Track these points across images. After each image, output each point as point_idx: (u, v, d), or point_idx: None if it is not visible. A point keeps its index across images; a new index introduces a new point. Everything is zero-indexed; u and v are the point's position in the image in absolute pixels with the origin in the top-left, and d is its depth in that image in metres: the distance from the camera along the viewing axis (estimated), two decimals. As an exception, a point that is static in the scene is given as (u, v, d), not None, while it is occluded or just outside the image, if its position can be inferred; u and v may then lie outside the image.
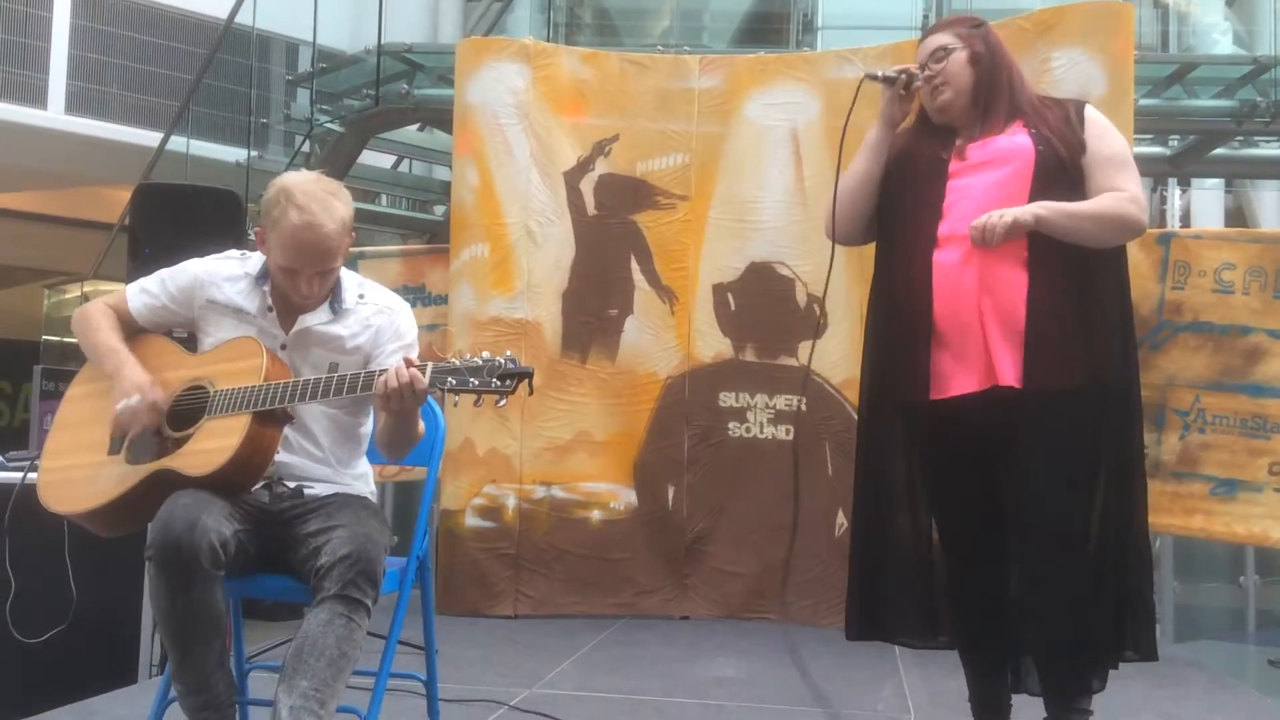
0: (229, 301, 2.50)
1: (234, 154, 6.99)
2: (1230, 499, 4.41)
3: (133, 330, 2.55)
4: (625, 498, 4.91)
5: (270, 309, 2.48)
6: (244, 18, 7.01)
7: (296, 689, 2.14)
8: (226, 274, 2.52)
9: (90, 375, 2.55)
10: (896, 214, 2.55)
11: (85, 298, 8.19)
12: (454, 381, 2.22)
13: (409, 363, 2.25)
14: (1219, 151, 6.66)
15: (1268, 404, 4.38)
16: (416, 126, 7.41)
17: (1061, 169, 2.41)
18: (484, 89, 4.94)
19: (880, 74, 2.57)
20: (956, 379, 2.39)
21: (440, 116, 6.24)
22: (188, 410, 2.40)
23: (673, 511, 4.88)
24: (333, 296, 2.51)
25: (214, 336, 2.50)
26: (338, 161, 6.57)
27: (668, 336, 4.95)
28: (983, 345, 2.36)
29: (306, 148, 6.83)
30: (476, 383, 2.21)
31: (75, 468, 2.44)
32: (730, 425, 4.89)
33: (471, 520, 4.82)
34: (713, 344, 4.93)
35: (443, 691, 2.83)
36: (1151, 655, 2.46)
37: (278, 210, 2.38)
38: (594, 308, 4.94)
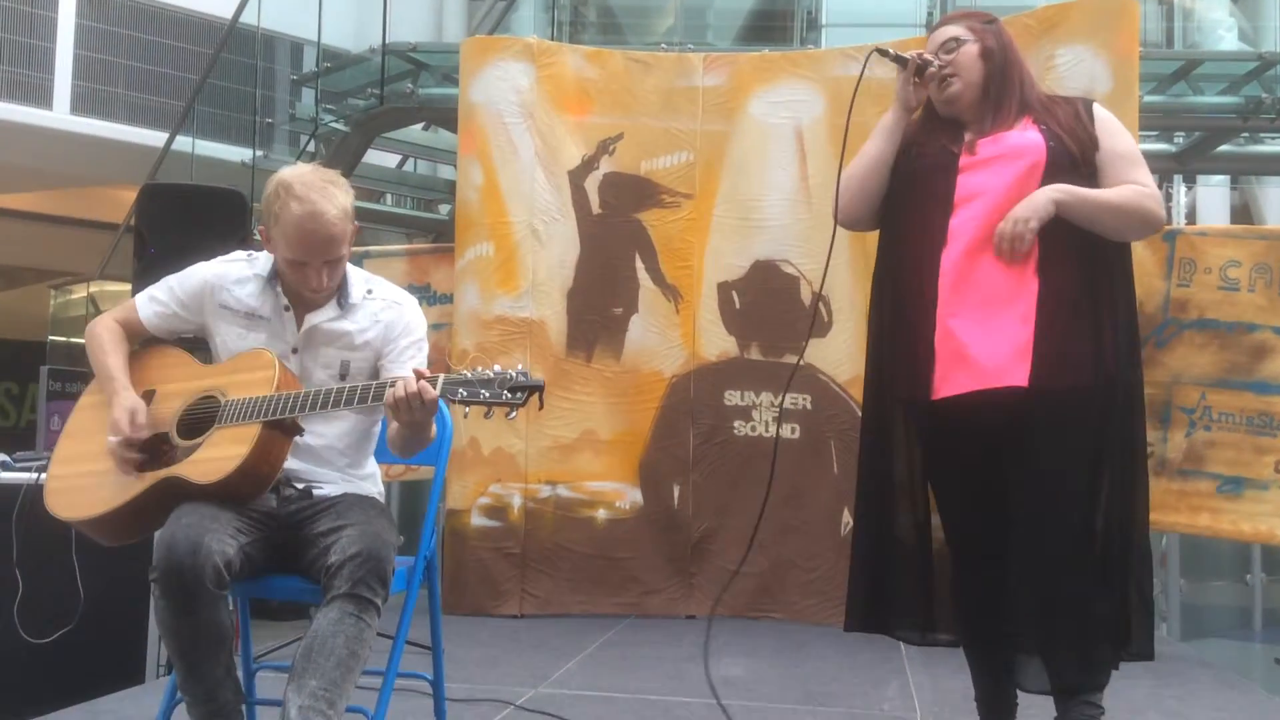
0: (240, 305, 2.50)
1: (239, 154, 7.01)
2: (1237, 497, 4.40)
3: (145, 339, 2.55)
4: (631, 497, 4.91)
5: (287, 308, 2.49)
6: (249, 17, 7.03)
7: (305, 689, 2.15)
8: (235, 276, 2.53)
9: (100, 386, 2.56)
10: (903, 205, 2.52)
11: (91, 298, 8.23)
12: (465, 393, 2.22)
13: (419, 374, 2.25)
14: (1224, 148, 6.66)
15: (1274, 401, 4.36)
16: (421, 125, 7.42)
17: (1073, 165, 2.40)
18: (488, 88, 4.94)
19: (892, 52, 2.55)
20: (961, 378, 2.37)
21: (445, 115, 6.25)
22: (199, 419, 2.40)
23: (678, 510, 4.88)
24: (340, 292, 2.51)
25: (225, 341, 2.51)
26: (343, 161, 6.58)
27: (673, 335, 4.95)
28: (989, 344, 2.35)
29: (311, 147, 6.85)
30: (487, 394, 2.21)
31: (83, 475, 2.45)
32: (736, 424, 4.89)
33: (477, 520, 4.82)
34: (718, 342, 4.93)
35: (449, 691, 2.83)
36: (1148, 655, 2.45)
37: (278, 204, 2.38)
38: (599, 306, 4.94)
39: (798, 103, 4.88)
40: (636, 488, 4.91)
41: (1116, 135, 2.47)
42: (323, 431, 2.50)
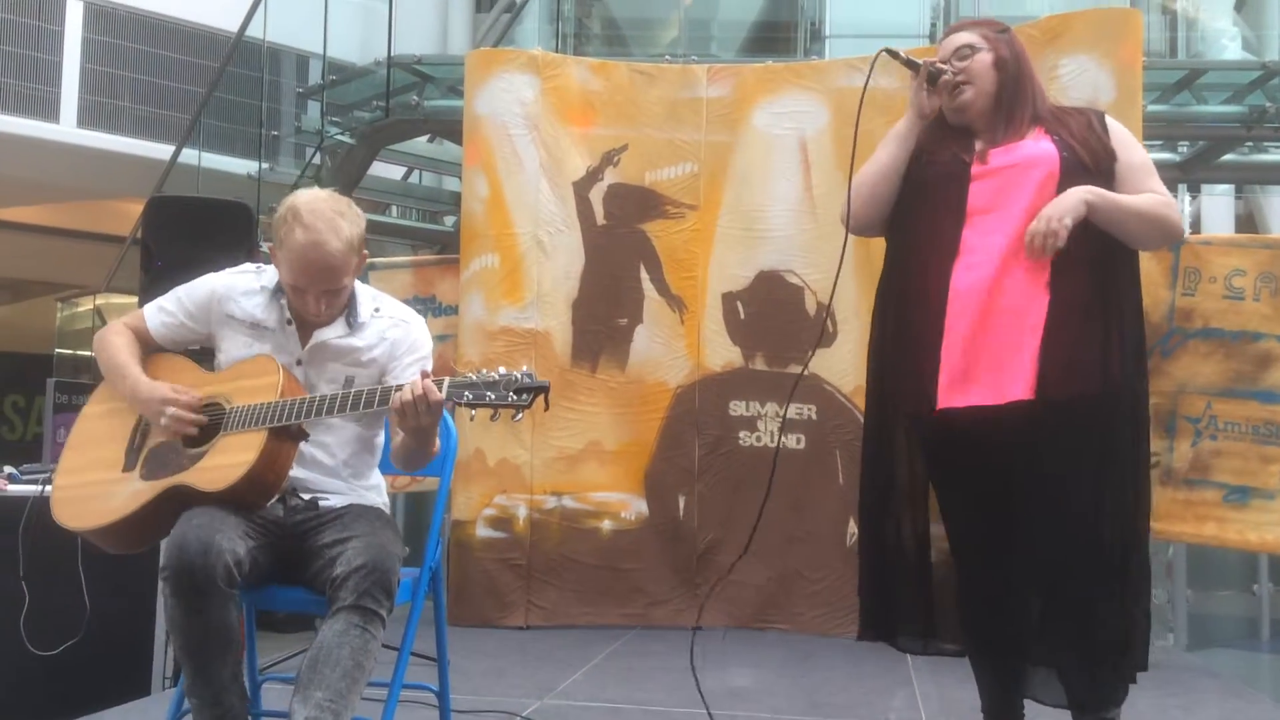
0: (246, 316, 2.51)
1: (245, 166, 7.02)
2: (1243, 506, 4.39)
3: (152, 349, 2.57)
4: (636, 507, 4.91)
5: (290, 322, 2.50)
6: (254, 31, 7.05)
7: (311, 700, 2.15)
8: (243, 288, 2.54)
9: (106, 394, 2.57)
10: (913, 214, 2.50)
11: (98, 310, 8.25)
12: (470, 396, 2.23)
13: (425, 376, 2.26)
14: (1228, 157, 6.64)
15: (1279, 411, 4.36)
16: (426, 138, 7.42)
17: (1086, 175, 2.38)
18: (493, 100, 4.96)
19: (903, 55, 2.51)
20: (967, 390, 2.36)
21: (450, 127, 6.26)
22: (204, 427, 2.41)
23: (684, 521, 4.88)
24: (348, 311, 2.53)
25: (230, 351, 2.52)
26: (348, 173, 6.59)
27: (677, 345, 4.95)
28: (997, 357, 2.34)
29: (317, 160, 6.86)
30: (493, 397, 2.22)
31: (90, 484, 2.45)
32: (741, 434, 4.89)
33: (482, 531, 4.82)
34: (722, 353, 4.93)
35: (455, 703, 2.84)
36: (1141, 665, 2.43)
37: (285, 229, 2.40)
38: (604, 317, 4.95)
39: (802, 114, 4.88)
40: (642, 498, 4.91)
41: (1131, 147, 2.48)
42: (325, 442, 2.51)
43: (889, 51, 2.53)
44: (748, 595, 4.77)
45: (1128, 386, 2.41)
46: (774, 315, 4.88)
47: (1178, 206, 2.45)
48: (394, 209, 8.24)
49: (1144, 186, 2.41)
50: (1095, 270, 2.38)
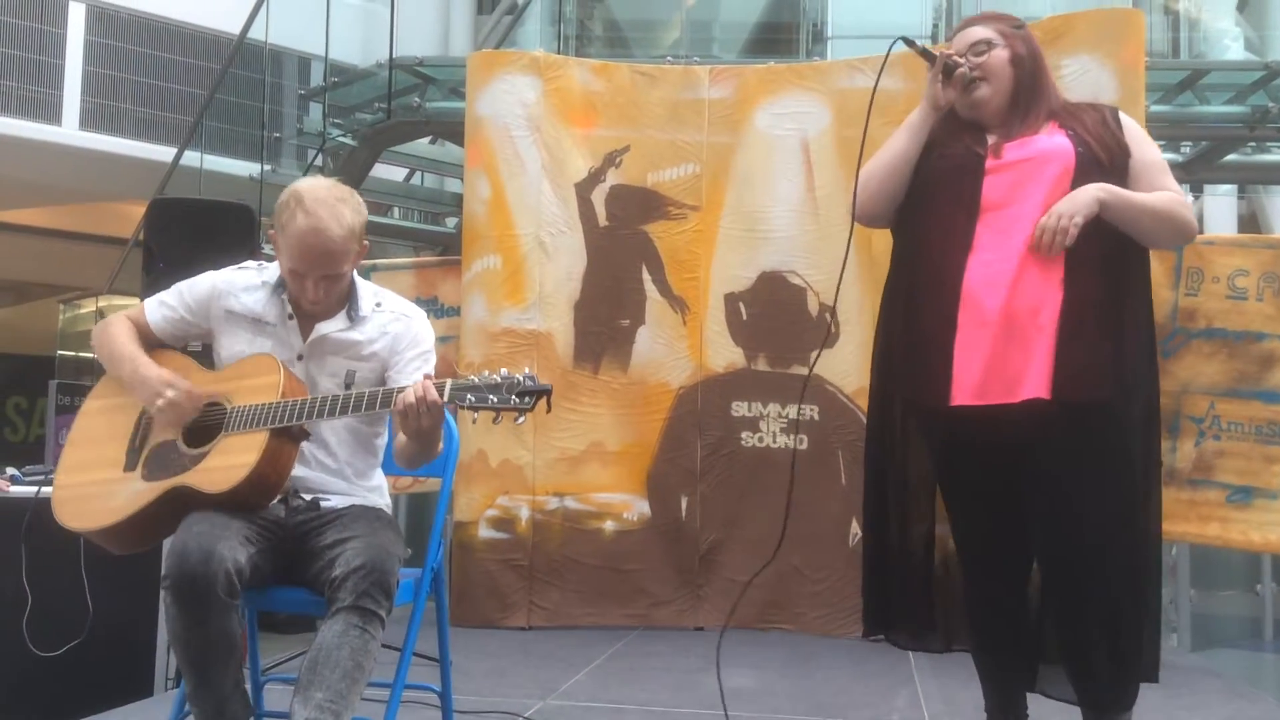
0: (247, 310, 2.51)
1: (247, 168, 7.02)
2: (1246, 506, 4.38)
3: (151, 344, 2.56)
4: (638, 508, 4.90)
5: (291, 316, 2.50)
6: (256, 33, 7.05)
7: (311, 701, 2.15)
8: (244, 284, 2.54)
9: (106, 390, 2.56)
10: (924, 207, 2.46)
11: (100, 312, 8.25)
12: (473, 398, 2.23)
13: (427, 378, 2.26)
14: (1231, 158, 6.65)
15: (1282, 411, 4.36)
16: (428, 139, 7.43)
17: (1101, 171, 2.36)
18: (495, 101, 4.96)
19: (919, 45, 2.48)
20: (980, 387, 2.32)
21: (452, 129, 6.27)
22: (205, 427, 2.41)
23: (686, 522, 4.88)
24: (349, 305, 2.52)
25: (230, 347, 2.52)
26: (350, 175, 6.59)
27: (680, 346, 4.95)
28: (1010, 354, 2.30)
29: (319, 161, 6.87)
30: (495, 399, 2.21)
31: (91, 484, 2.45)
32: (743, 435, 4.89)
33: (485, 532, 4.82)
34: (725, 354, 4.93)
35: (457, 703, 2.84)
36: (1152, 675, 2.42)
37: (286, 214, 2.41)
38: (606, 318, 4.95)
39: (804, 114, 4.88)
40: (644, 499, 4.91)
41: (1145, 144, 2.45)
42: (327, 441, 2.51)
43: (905, 40, 2.49)
44: (750, 595, 4.76)
45: (1141, 389, 2.39)
46: (776, 316, 4.88)
47: (1191, 205, 2.42)
48: (396, 210, 8.25)
49: (1157, 184, 2.39)
50: (1109, 268, 2.35)
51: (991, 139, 2.43)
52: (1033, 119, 2.43)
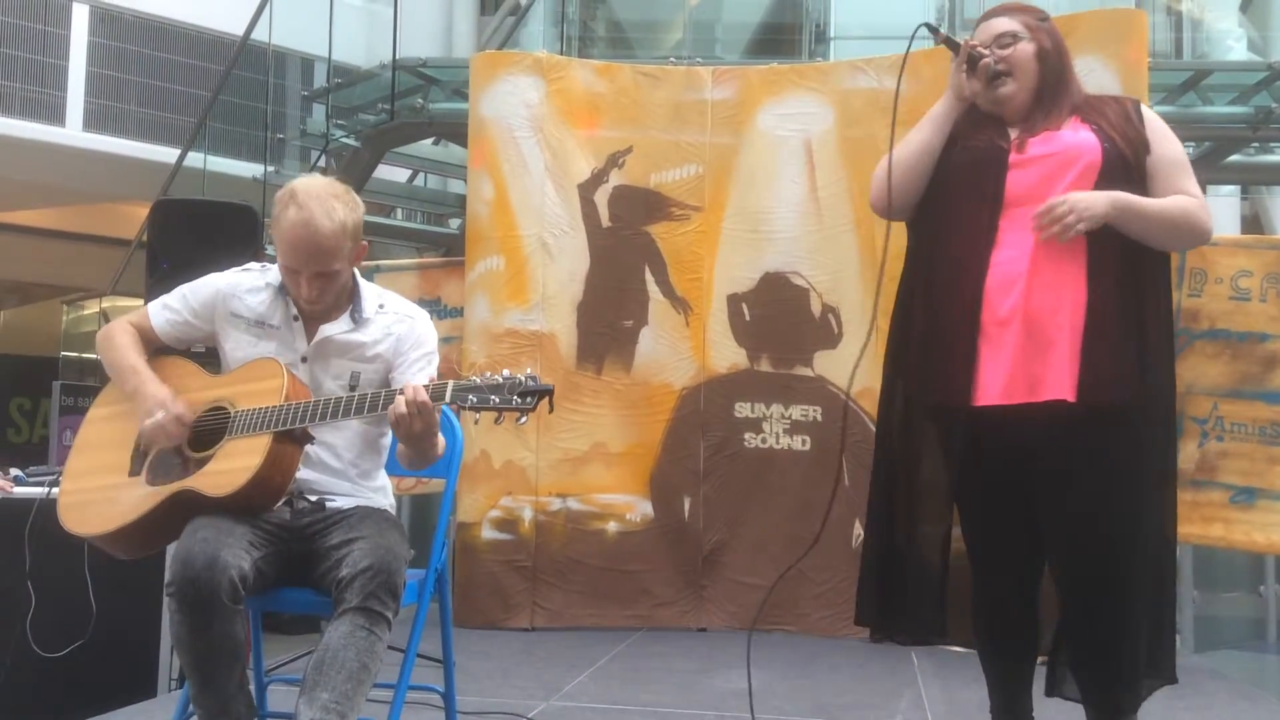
0: (251, 313, 2.52)
1: (250, 169, 7.03)
2: (1250, 507, 4.38)
3: (156, 348, 2.56)
4: (641, 509, 4.91)
5: (296, 318, 2.50)
6: (260, 34, 7.05)
7: (317, 701, 2.15)
8: (248, 285, 2.54)
9: (111, 397, 2.56)
10: (945, 201, 2.41)
11: (104, 313, 8.26)
12: (475, 399, 2.23)
13: (431, 380, 2.26)
14: (1234, 158, 6.64)
15: (1286, 412, 4.36)
16: (431, 140, 7.44)
17: (1126, 167, 2.32)
18: (498, 102, 4.96)
19: (943, 33, 2.43)
20: (1001, 386, 2.28)
21: (455, 130, 6.27)
22: (209, 431, 2.41)
23: (689, 523, 4.88)
24: (353, 306, 2.53)
25: (235, 350, 2.52)
26: (354, 176, 6.60)
27: (683, 347, 4.95)
28: (1031, 353, 2.27)
29: (322, 162, 6.87)
30: (497, 400, 2.22)
31: (95, 490, 2.45)
32: (746, 436, 4.89)
33: (488, 533, 4.82)
34: (728, 354, 4.93)
35: (461, 704, 2.84)
36: (1171, 678, 2.41)
37: (280, 209, 2.42)
38: (609, 319, 4.95)
39: (806, 115, 4.88)
40: (647, 500, 4.91)
41: (1167, 140, 2.40)
42: (331, 442, 2.51)
43: (928, 26, 2.45)
44: (752, 596, 4.77)
45: (1162, 389, 2.37)
46: (779, 317, 4.88)
47: (1208, 206, 2.37)
48: (399, 212, 8.26)
49: (1176, 184, 2.35)
50: (1130, 268, 2.32)
51: (1014, 133, 2.40)
52: (1057, 114, 2.39)
